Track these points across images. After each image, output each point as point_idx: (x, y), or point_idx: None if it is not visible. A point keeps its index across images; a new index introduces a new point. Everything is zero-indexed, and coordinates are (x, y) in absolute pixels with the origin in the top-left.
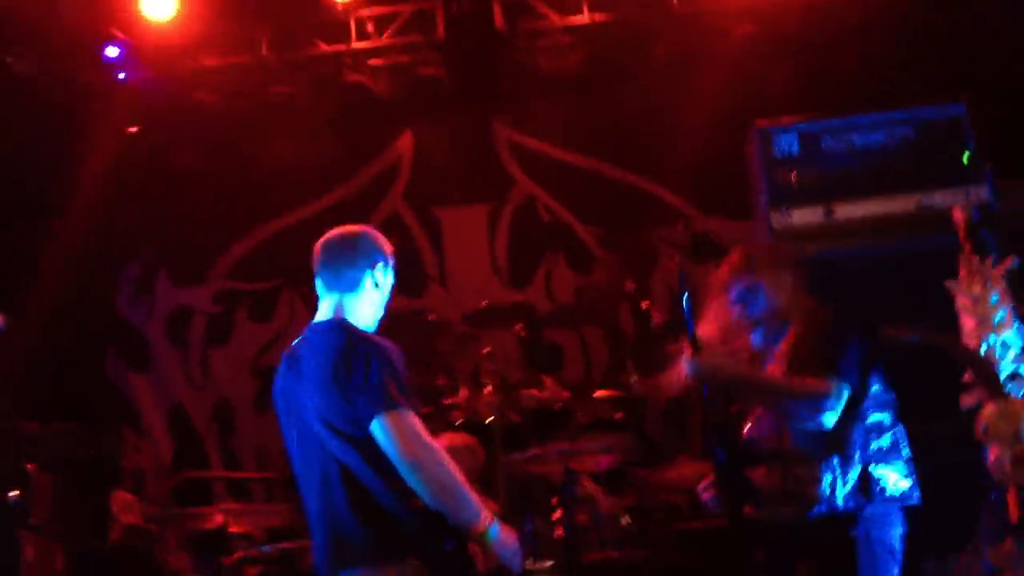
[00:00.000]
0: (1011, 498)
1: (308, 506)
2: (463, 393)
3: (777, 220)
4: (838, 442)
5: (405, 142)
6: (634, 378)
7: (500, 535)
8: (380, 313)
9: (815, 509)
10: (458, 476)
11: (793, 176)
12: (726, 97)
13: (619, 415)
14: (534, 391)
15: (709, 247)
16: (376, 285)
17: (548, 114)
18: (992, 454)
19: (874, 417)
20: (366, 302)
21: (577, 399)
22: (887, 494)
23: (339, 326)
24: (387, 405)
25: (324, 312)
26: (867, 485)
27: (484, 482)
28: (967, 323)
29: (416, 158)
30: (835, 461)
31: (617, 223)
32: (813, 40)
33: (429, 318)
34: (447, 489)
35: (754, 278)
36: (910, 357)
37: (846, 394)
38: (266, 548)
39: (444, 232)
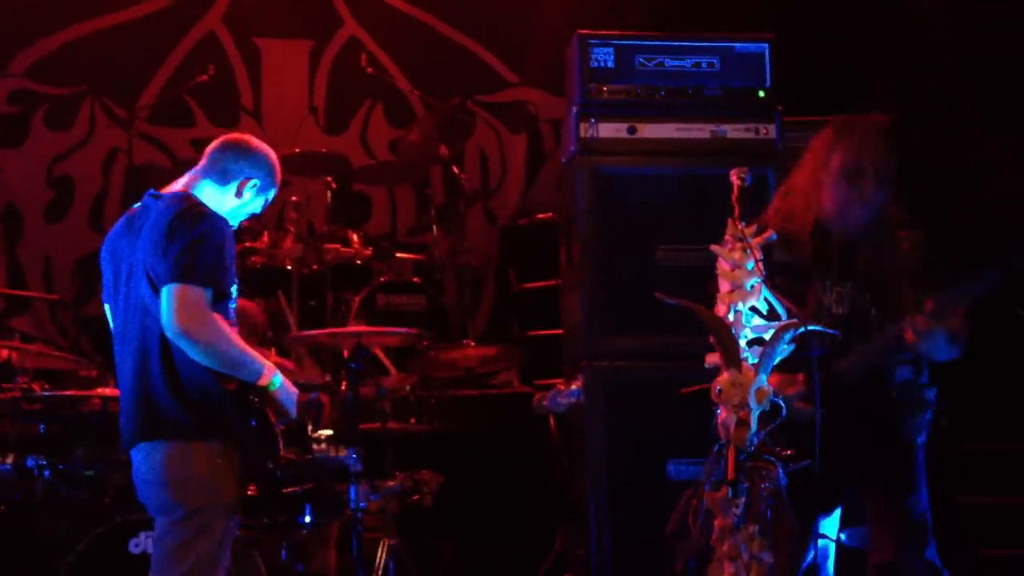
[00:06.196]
0: (730, 456)
1: (120, 371)
2: (265, 239)
3: (584, 130)
4: None
5: None
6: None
7: (283, 383)
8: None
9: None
10: (234, 341)
11: (605, 90)
12: None
13: (416, 279)
14: (338, 245)
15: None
16: (238, 195)
17: None
18: (721, 415)
19: None
20: (220, 200)
21: (378, 258)
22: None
23: (185, 196)
24: (182, 277)
25: (176, 184)
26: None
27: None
28: (723, 287)
29: None
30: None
31: (440, 82)
32: None
33: None
34: (224, 356)
35: (863, 158)
36: None
37: None
38: (46, 393)
39: (263, 63)
